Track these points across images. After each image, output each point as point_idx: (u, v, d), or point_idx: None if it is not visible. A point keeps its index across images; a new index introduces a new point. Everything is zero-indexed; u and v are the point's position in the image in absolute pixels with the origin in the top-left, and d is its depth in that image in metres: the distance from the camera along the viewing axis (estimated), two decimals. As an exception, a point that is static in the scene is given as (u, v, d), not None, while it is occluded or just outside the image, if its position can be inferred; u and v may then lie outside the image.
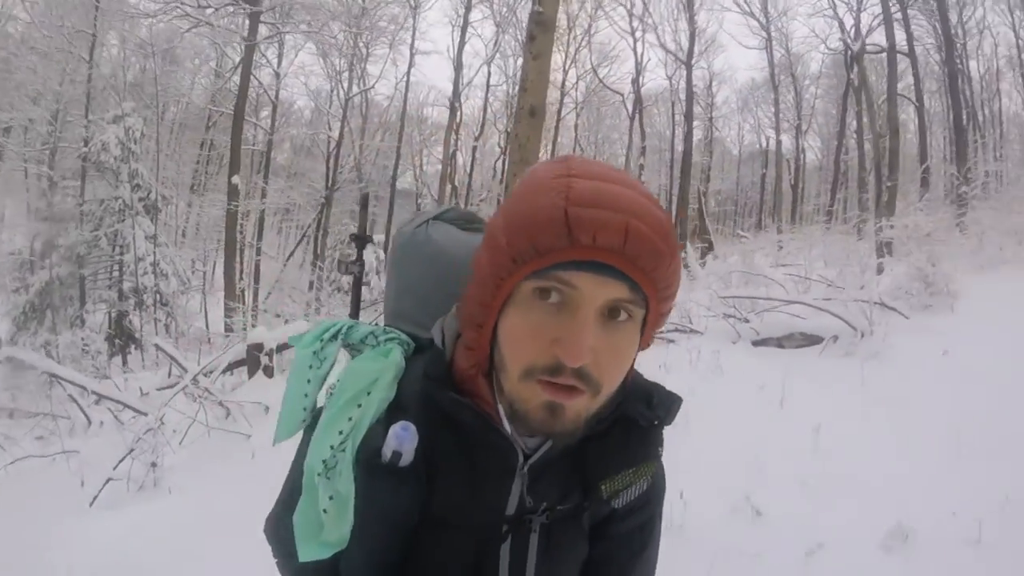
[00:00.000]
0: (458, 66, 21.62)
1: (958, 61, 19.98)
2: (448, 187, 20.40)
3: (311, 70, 33.30)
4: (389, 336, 0.79)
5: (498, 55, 27.19)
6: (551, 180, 0.65)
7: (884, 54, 16.31)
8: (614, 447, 0.77)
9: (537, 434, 0.71)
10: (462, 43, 22.58)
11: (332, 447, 0.70)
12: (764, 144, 30.79)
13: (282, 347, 7.89)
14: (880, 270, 8.60)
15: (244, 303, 15.61)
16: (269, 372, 7.51)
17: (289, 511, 0.74)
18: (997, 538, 2.78)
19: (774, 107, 27.84)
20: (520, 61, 25.54)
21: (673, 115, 28.62)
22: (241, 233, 17.21)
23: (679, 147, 25.23)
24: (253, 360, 7.41)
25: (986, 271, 8.08)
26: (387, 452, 0.69)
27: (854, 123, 21.90)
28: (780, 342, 5.50)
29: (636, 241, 0.62)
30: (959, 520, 2.87)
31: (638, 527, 0.84)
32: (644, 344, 0.71)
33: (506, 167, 27.02)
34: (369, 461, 0.70)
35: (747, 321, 5.83)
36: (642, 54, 26.04)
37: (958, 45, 21.18)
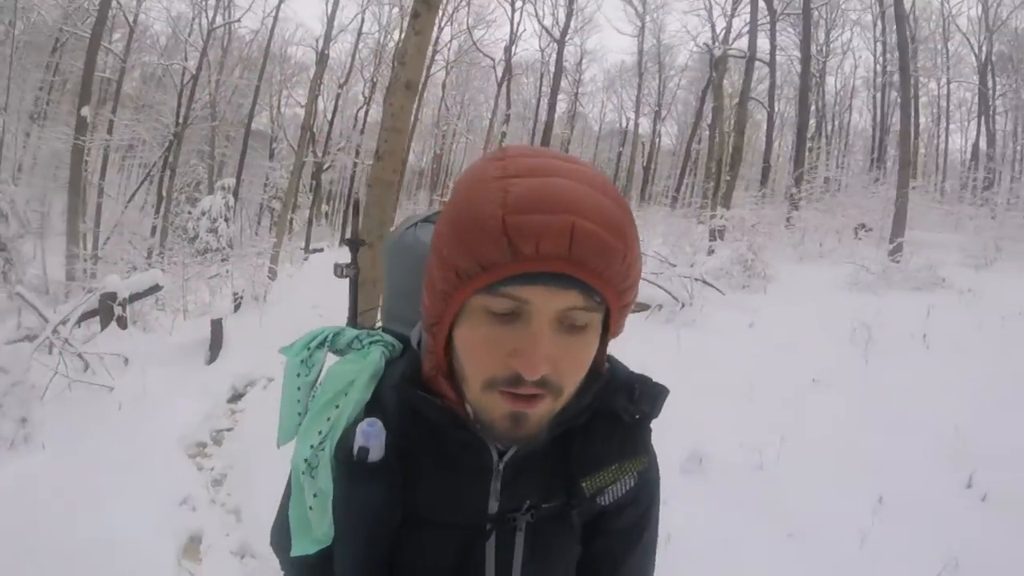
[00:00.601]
0: (333, 13, 20.74)
1: (816, 76, 22.52)
2: (307, 134, 19.57)
3: (176, -7, 29.99)
4: (373, 339, 0.80)
5: (375, 2, 26.38)
6: (489, 183, 0.62)
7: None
8: (597, 444, 0.77)
9: (502, 442, 0.71)
10: (340, -15, 21.56)
11: (312, 446, 0.73)
12: (624, 124, 32.65)
13: (135, 296, 7.57)
14: (710, 252, 9.87)
15: (85, 248, 14.30)
16: (123, 323, 7.22)
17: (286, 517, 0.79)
18: (775, 464, 3.67)
19: (638, 91, 29.65)
20: (396, 10, 24.95)
21: (541, 86, 29.44)
22: (86, 170, 15.59)
23: (543, 118, 25.94)
24: (106, 310, 7.09)
25: (805, 262, 9.54)
26: (355, 448, 0.70)
27: (710, 116, 23.90)
28: (612, 308, 6.34)
29: (583, 242, 0.58)
30: (745, 450, 3.74)
31: (632, 523, 0.83)
32: (613, 332, 0.70)
33: (366, 120, 26.35)
34: (344, 460, 0.71)
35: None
36: (518, 23, 26.49)
37: (820, 61, 23.99)
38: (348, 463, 0.71)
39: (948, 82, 24.81)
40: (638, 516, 0.83)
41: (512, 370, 0.62)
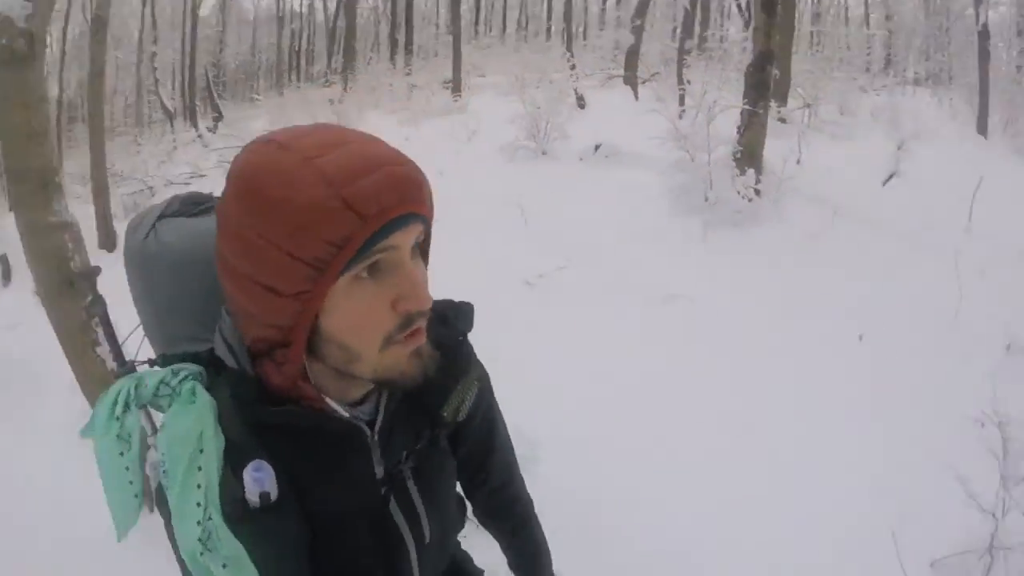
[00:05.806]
0: None
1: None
2: None
3: None
4: (181, 377, 0.70)
5: None
6: (295, 171, 0.60)
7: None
8: (437, 374, 0.74)
9: (413, 384, 0.70)
10: None
11: (199, 522, 0.65)
12: (280, 7, 32.56)
13: None
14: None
15: None
16: None
17: None
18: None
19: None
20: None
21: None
22: None
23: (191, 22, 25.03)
24: None
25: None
26: (253, 499, 0.66)
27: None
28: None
29: (404, 183, 0.62)
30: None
31: (484, 419, 0.93)
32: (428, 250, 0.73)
33: None
34: (237, 512, 0.66)
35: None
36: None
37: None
38: (242, 514, 0.66)
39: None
40: (486, 412, 0.92)
41: (403, 316, 0.65)
